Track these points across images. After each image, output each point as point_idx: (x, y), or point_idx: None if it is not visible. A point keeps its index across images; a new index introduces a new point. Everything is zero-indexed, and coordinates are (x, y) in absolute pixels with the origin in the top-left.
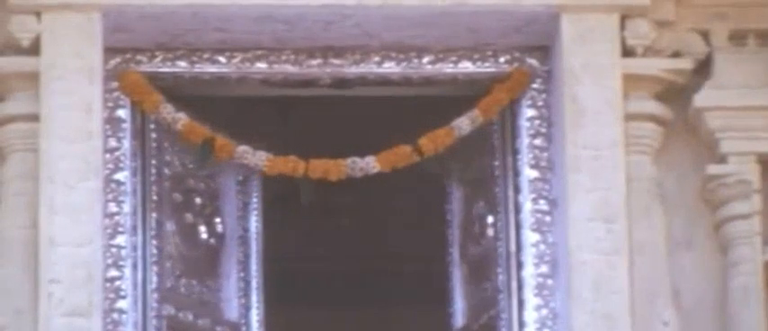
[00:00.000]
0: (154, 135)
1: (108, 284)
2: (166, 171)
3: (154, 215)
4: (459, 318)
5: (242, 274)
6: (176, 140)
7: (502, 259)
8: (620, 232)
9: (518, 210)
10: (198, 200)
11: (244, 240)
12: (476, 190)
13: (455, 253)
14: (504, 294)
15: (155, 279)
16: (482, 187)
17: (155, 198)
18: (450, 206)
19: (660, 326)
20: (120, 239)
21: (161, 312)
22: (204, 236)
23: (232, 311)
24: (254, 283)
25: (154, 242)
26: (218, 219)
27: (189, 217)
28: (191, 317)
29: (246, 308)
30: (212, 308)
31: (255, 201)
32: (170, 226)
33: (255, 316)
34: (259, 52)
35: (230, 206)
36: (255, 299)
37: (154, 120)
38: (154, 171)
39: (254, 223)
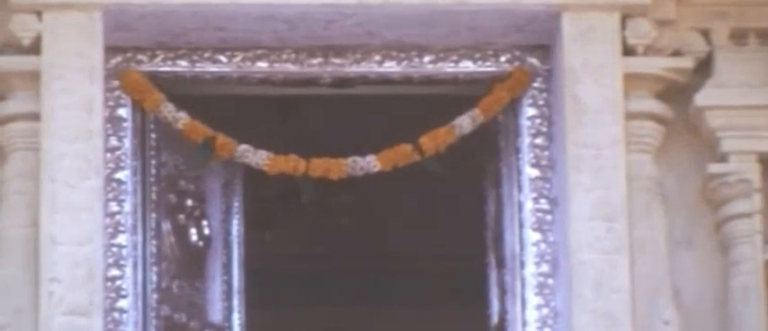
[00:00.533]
0: (153, 135)
1: (109, 283)
2: (163, 172)
3: (153, 215)
4: (495, 319)
5: (225, 277)
6: (174, 140)
7: (507, 259)
8: (621, 231)
9: (519, 209)
10: (189, 201)
11: (227, 243)
12: (497, 191)
13: (491, 255)
14: (509, 294)
15: (154, 279)
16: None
17: (154, 198)
18: (487, 208)
19: (661, 325)
20: (121, 238)
21: (160, 312)
22: (194, 238)
23: (216, 314)
24: (235, 286)
25: (153, 242)
26: (205, 222)
27: (181, 218)
28: (184, 318)
29: (229, 311)
30: (199, 311)
31: (237, 205)
32: (166, 226)
33: (237, 319)
34: (260, 51)
35: (214, 209)
36: (237, 302)
37: (153, 120)
38: (153, 171)
39: (236, 227)
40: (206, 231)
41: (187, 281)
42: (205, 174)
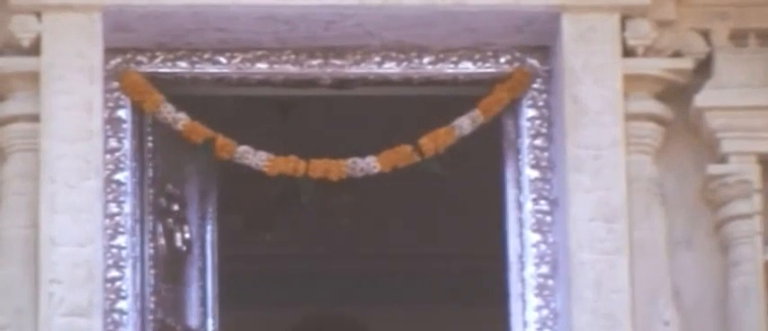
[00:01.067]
0: (150, 137)
1: (108, 285)
2: (158, 174)
3: (150, 217)
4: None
5: (200, 283)
6: (165, 143)
7: (509, 261)
8: (621, 232)
9: (519, 210)
10: (175, 206)
11: (202, 250)
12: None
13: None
14: (510, 295)
15: (152, 281)
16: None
17: (151, 200)
18: (508, 210)
19: (661, 326)
20: (121, 240)
21: (156, 315)
22: (179, 242)
23: (193, 318)
24: (210, 292)
25: (151, 244)
26: (186, 226)
27: (170, 222)
28: (172, 321)
29: (204, 317)
30: (180, 314)
31: (211, 212)
32: (159, 228)
33: (211, 325)
34: (260, 52)
35: (193, 215)
36: (211, 307)
37: (151, 121)
38: (150, 173)
39: (210, 234)
40: (187, 235)
41: (172, 285)
42: (185, 179)
